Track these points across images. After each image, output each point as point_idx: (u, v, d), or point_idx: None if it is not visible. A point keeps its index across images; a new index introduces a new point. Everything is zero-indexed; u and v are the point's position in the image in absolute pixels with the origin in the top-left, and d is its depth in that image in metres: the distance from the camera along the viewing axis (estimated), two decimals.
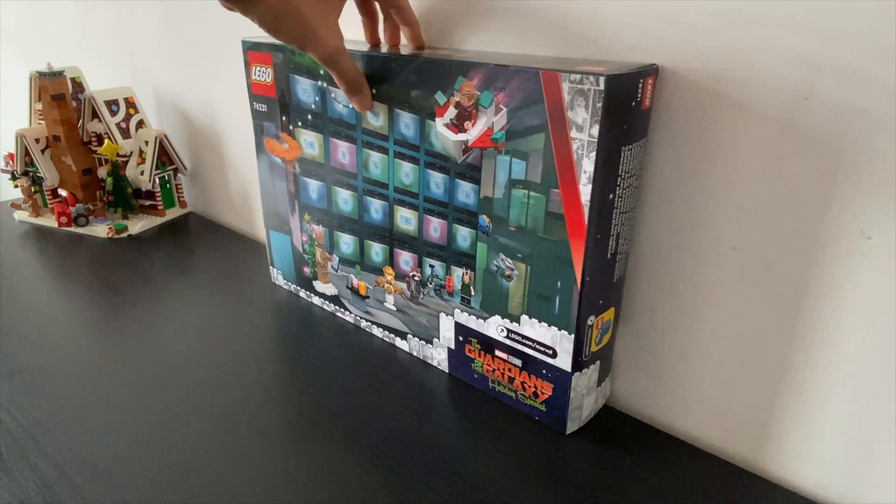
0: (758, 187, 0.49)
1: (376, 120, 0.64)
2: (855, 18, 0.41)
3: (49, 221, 1.09)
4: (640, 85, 0.48)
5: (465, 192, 0.58)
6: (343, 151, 0.70)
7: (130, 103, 1.10)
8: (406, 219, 0.66)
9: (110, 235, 1.04)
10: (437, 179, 0.61)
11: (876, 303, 0.46)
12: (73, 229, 1.06)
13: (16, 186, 1.14)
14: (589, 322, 0.53)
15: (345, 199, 0.72)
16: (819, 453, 0.52)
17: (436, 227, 0.63)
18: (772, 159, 0.48)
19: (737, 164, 0.50)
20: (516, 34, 0.59)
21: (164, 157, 1.09)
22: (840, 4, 0.42)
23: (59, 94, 1.04)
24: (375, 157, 0.66)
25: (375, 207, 0.69)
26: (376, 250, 0.71)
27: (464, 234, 0.60)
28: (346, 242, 0.75)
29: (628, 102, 0.47)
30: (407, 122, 0.61)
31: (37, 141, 1.09)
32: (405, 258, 0.67)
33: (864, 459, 0.50)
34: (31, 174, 1.11)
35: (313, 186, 0.75)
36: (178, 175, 1.14)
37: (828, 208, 0.46)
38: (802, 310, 0.49)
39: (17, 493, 0.52)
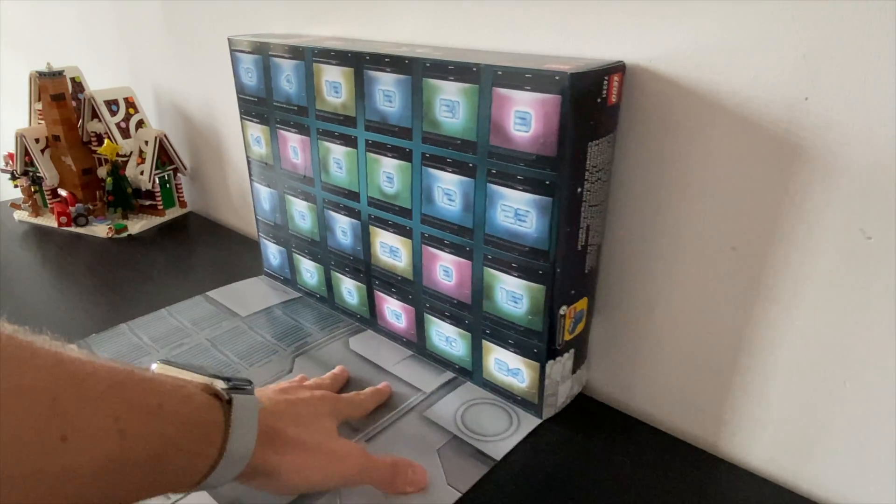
0: (747, 185, 0.54)
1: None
2: (856, 18, 0.45)
3: (49, 221, 1.16)
4: (606, 82, 0.54)
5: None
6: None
7: (130, 103, 1.18)
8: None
9: (110, 235, 1.10)
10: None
11: (875, 303, 0.50)
12: (72, 229, 1.13)
13: (16, 186, 1.21)
14: (561, 312, 0.59)
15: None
16: (820, 453, 0.57)
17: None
18: (768, 158, 0.52)
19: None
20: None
21: (164, 156, 1.16)
22: (841, 4, 0.45)
23: (58, 94, 1.12)
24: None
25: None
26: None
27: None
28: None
29: (593, 99, 0.53)
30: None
31: (36, 141, 1.16)
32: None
33: (866, 460, 0.54)
34: (30, 174, 1.18)
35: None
36: (178, 175, 1.21)
37: (827, 208, 0.50)
38: (800, 309, 0.54)
39: None
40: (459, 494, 0.55)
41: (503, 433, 0.62)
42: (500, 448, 0.60)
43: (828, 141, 0.49)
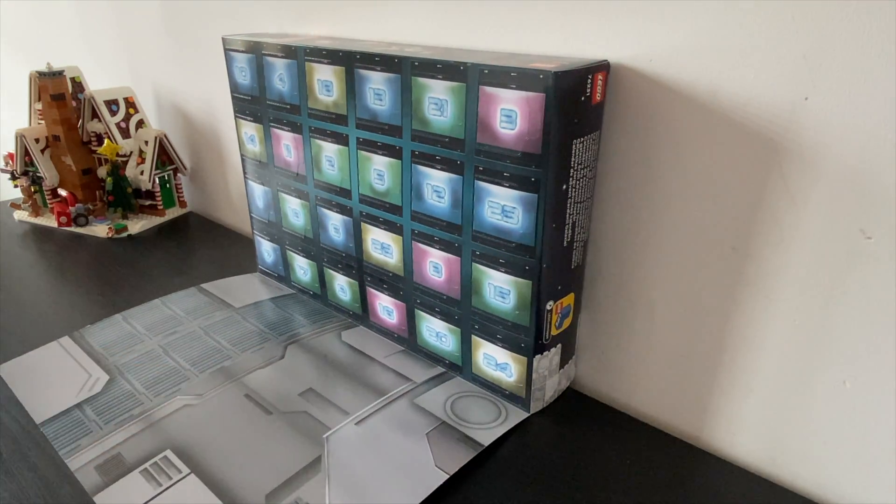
0: (745, 185, 0.55)
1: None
2: (856, 17, 0.46)
3: (49, 221, 1.18)
4: (590, 80, 0.56)
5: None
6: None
7: (130, 103, 1.20)
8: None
9: (110, 235, 1.13)
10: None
11: (876, 303, 0.51)
12: (72, 229, 1.15)
13: (15, 186, 1.24)
14: (548, 307, 0.61)
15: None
16: (820, 454, 0.58)
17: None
18: (767, 158, 0.53)
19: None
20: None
21: (164, 156, 1.18)
22: (842, 3, 0.46)
23: (58, 94, 1.14)
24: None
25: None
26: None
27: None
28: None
29: (577, 97, 0.55)
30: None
31: (36, 141, 1.18)
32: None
33: (866, 459, 0.55)
34: (30, 174, 1.21)
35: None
36: (178, 175, 1.23)
37: (828, 208, 0.51)
38: (799, 308, 0.55)
39: (16, 493, 0.58)
40: (447, 476, 0.58)
41: (491, 423, 0.64)
42: (487, 435, 0.62)
43: (828, 141, 0.50)
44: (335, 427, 0.63)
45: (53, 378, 0.71)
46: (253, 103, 0.73)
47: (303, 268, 0.75)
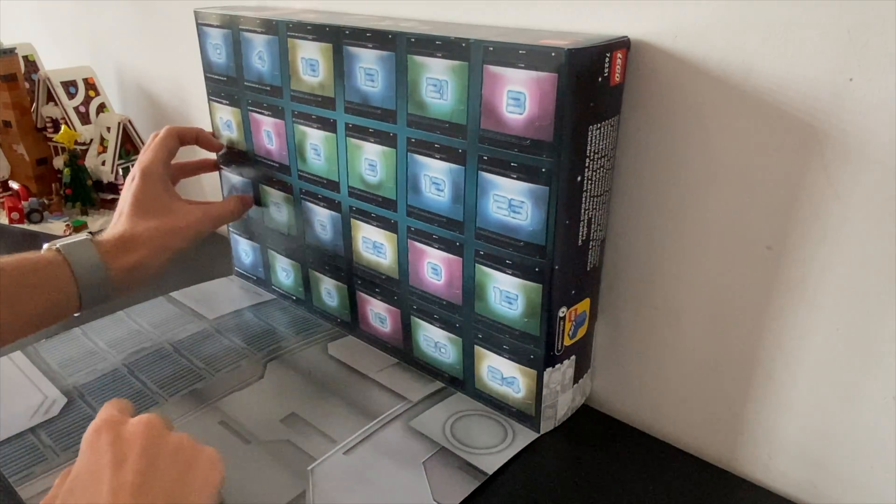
0: (782, 177, 0.54)
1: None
2: None
3: None
4: (608, 59, 0.56)
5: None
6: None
7: (90, 84, 1.19)
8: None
9: (68, 233, 1.11)
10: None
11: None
12: (25, 226, 1.14)
13: None
14: (560, 314, 0.61)
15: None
16: (866, 480, 0.58)
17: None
18: (807, 146, 0.52)
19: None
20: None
21: (129, 145, 1.17)
22: None
23: (9, 75, 1.14)
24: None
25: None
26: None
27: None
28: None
29: (594, 78, 0.55)
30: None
31: None
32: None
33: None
34: None
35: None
36: None
37: (875, 202, 0.50)
38: (843, 316, 0.55)
39: None
40: None
41: (496, 446, 0.64)
42: (492, 462, 0.62)
43: (875, 126, 0.49)
44: (321, 458, 0.63)
45: (4, 398, 0.70)
46: (229, 85, 0.73)
47: (285, 270, 0.75)
